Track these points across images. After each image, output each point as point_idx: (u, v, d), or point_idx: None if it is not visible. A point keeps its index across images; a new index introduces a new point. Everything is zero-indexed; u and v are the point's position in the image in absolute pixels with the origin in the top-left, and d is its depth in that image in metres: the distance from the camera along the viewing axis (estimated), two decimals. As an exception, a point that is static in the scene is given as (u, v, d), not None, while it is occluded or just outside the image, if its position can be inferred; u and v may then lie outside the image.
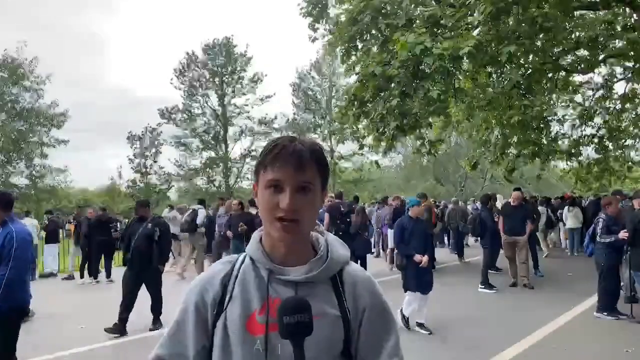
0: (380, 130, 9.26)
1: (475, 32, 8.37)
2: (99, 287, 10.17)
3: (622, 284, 7.06)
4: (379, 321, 1.11)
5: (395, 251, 6.32)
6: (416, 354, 4.89)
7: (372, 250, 12.80)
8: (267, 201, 1.03)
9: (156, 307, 6.36)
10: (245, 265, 1.12)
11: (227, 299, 1.07)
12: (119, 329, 5.95)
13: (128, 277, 6.16)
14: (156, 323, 6.31)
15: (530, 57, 9.80)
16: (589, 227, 7.62)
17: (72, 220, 13.19)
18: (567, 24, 9.08)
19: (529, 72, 9.97)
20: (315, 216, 1.10)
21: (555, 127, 13.91)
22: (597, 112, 13.94)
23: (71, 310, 7.81)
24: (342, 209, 9.20)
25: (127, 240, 6.38)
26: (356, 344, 1.09)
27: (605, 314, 6.37)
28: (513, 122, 10.57)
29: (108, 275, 10.72)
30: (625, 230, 6.05)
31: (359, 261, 8.44)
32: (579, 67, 11.32)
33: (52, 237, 12.08)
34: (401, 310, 5.87)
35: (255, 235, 1.16)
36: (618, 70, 13.03)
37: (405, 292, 5.92)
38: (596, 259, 6.47)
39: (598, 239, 6.38)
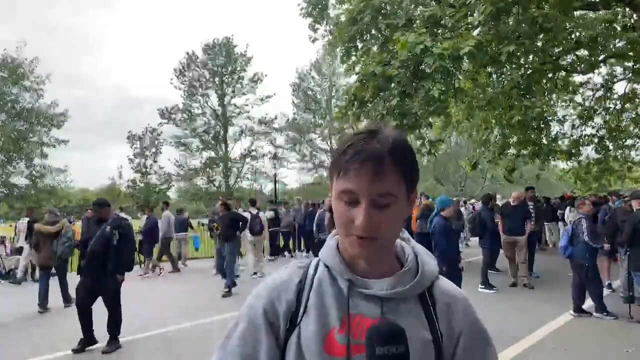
0: None
1: (475, 32, 8.37)
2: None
3: (619, 283, 7.10)
4: (477, 348, 0.98)
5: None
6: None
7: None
8: (341, 215, 0.88)
9: (113, 324, 5.41)
10: (320, 273, 0.96)
11: (301, 312, 0.92)
12: (83, 345, 5.31)
13: (81, 287, 5.42)
14: (112, 344, 5.36)
15: (530, 57, 9.80)
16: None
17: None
18: (567, 24, 9.08)
19: (529, 72, 9.98)
20: (399, 229, 0.95)
21: (555, 127, 13.92)
22: (597, 112, 13.95)
23: (71, 310, 7.79)
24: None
25: (82, 245, 5.62)
26: None
27: (605, 313, 6.41)
28: (513, 122, 10.57)
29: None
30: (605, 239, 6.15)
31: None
32: (578, 68, 11.32)
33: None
34: None
35: (330, 241, 1.00)
36: (618, 70, 13.04)
37: None
38: (578, 260, 6.47)
39: (586, 239, 6.39)
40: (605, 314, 6.37)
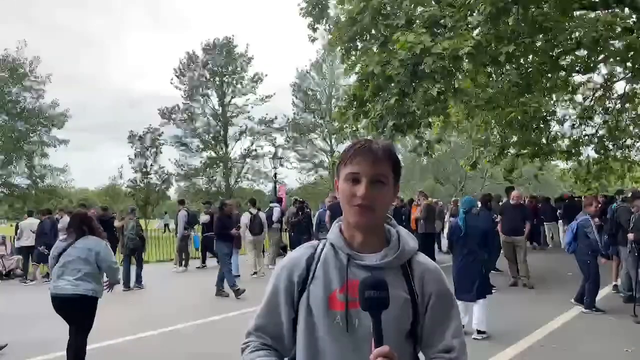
0: (380, 130, 9.26)
1: (475, 32, 8.37)
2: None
3: (618, 283, 7.13)
4: (444, 306, 1.25)
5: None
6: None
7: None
8: (346, 191, 1.19)
9: None
10: (326, 250, 1.27)
11: (310, 278, 1.24)
12: None
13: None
14: None
15: (530, 57, 9.80)
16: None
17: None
18: (566, 24, 9.07)
19: (529, 71, 9.97)
20: (387, 207, 1.25)
21: (555, 127, 13.91)
22: (597, 112, 13.94)
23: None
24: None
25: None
26: (422, 325, 1.23)
27: (594, 309, 6.52)
28: (512, 122, 10.56)
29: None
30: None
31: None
32: (578, 68, 11.31)
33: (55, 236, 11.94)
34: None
35: (335, 225, 1.31)
36: (618, 70, 13.02)
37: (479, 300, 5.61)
38: (582, 257, 6.61)
39: (595, 237, 6.49)
40: (594, 309, 6.49)
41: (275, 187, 21.72)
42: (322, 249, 1.28)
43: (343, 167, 1.22)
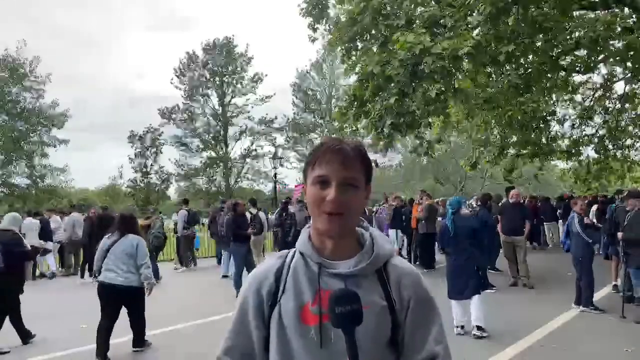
0: (379, 129, 9.26)
1: (475, 32, 8.37)
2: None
3: (618, 283, 7.15)
4: (424, 311, 1.17)
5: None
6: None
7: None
8: (314, 196, 1.11)
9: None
10: (296, 259, 1.19)
11: (280, 291, 1.16)
12: None
13: None
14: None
15: (530, 57, 9.79)
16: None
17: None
18: (566, 24, 9.06)
19: (528, 71, 9.96)
20: (360, 211, 1.16)
21: (555, 127, 13.91)
22: (597, 112, 13.94)
23: (72, 309, 7.81)
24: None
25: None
26: (403, 332, 1.15)
27: (591, 307, 6.53)
28: (512, 122, 10.55)
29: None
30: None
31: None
32: (578, 68, 11.31)
33: (44, 236, 11.47)
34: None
35: (304, 232, 1.22)
36: (618, 70, 13.02)
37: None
38: (575, 254, 6.72)
39: (581, 232, 6.65)
40: (591, 307, 6.52)
41: (275, 188, 21.74)
42: (291, 259, 1.20)
43: (311, 170, 1.13)
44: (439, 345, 1.15)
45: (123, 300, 5.21)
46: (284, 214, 12.03)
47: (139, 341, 5.41)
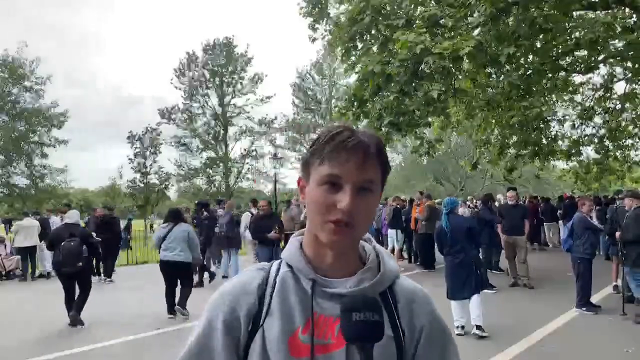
0: (378, 128, 9.26)
1: (475, 33, 8.37)
2: (100, 286, 10.18)
3: (618, 283, 7.15)
4: (439, 344, 0.98)
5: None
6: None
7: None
8: (321, 200, 0.88)
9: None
10: (283, 274, 0.95)
11: (263, 313, 0.91)
12: None
13: None
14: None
15: (530, 57, 9.79)
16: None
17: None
18: (566, 24, 9.06)
19: (528, 72, 9.97)
20: (370, 222, 0.98)
21: (555, 127, 13.90)
22: (597, 112, 13.93)
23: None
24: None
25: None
26: None
27: (584, 309, 6.55)
28: (512, 123, 10.54)
29: (109, 275, 10.75)
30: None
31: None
32: (578, 68, 11.31)
33: (43, 236, 11.43)
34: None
35: (293, 241, 1.00)
36: (618, 70, 13.02)
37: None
38: (574, 255, 6.74)
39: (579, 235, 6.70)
40: (584, 309, 6.53)
41: (275, 188, 21.73)
42: (276, 273, 0.96)
43: (317, 165, 0.89)
44: None
45: (177, 272, 6.75)
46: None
47: (183, 305, 6.78)
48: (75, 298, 6.57)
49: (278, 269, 0.97)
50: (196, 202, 11.34)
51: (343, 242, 0.89)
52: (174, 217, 7.08)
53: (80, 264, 6.37)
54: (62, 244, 6.36)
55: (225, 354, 0.90)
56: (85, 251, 6.48)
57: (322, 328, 0.89)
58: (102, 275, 10.71)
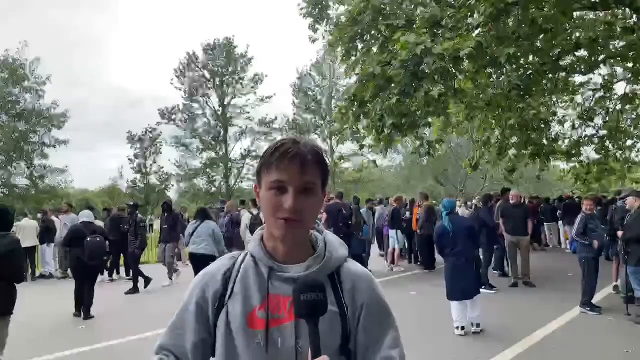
0: (379, 129, 9.26)
1: (475, 33, 8.37)
2: (100, 286, 10.17)
3: (618, 283, 7.15)
4: (377, 316, 1.14)
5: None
6: (416, 355, 4.89)
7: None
8: (270, 202, 1.06)
9: None
10: (246, 262, 1.15)
11: (227, 294, 1.12)
12: None
13: None
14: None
15: (530, 57, 9.79)
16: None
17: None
18: (566, 24, 9.05)
19: (528, 72, 9.96)
20: (315, 216, 1.15)
21: (555, 127, 13.90)
22: (597, 113, 13.93)
23: (71, 310, 7.80)
24: (343, 211, 9.21)
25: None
26: (355, 339, 1.12)
27: (588, 309, 6.53)
28: (513, 123, 10.54)
29: (110, 274, 10.78)
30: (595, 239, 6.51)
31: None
32: (578, 68, 11.30)
33: (47, 236, 11.57)
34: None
35: (256, 234, 1.19)
36: (618, 70, 13.01)
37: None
38: (579, 255, 6.72)
39: (574, 237, 6.75)
40: (588, 309, 6.52)
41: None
42: (241, 261, 1.16)
43: (266, 173, 1.08)
44: (394, 349, 1.11)
45: (204, 263, 6.77)
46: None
47: None
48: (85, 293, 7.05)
49: (244, 259, 1.17)
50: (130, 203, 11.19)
51: (292, 235, 1.07)
52: (202, 215, 7.90)
53: (105, 257, 7.06)
54: (88, 239, 6.92)
55: (197, 326, 1.14)
56: (107, 246, 7.20)
57: (276, 306, 1.08)
58: (115, 272, 11.01)
